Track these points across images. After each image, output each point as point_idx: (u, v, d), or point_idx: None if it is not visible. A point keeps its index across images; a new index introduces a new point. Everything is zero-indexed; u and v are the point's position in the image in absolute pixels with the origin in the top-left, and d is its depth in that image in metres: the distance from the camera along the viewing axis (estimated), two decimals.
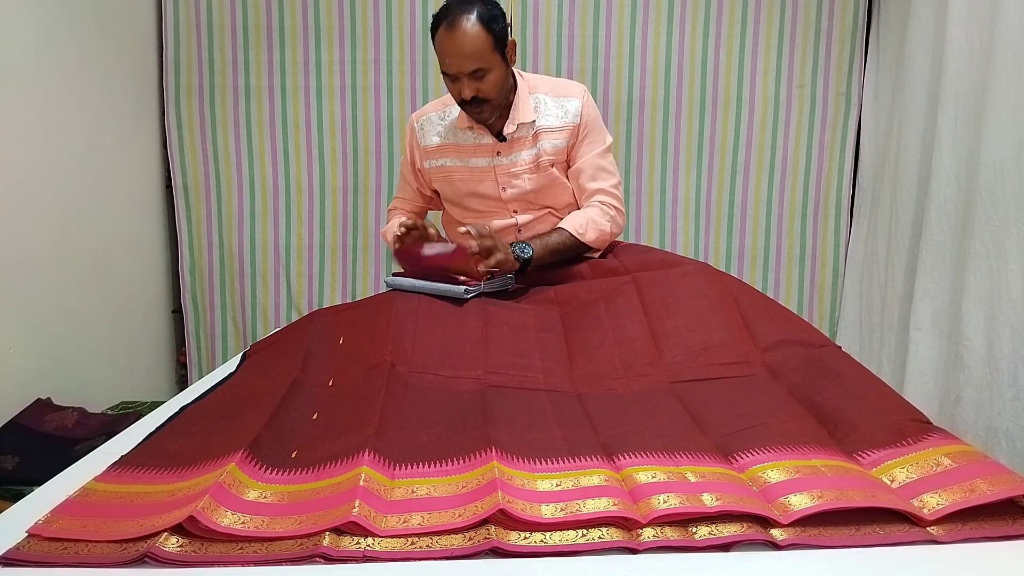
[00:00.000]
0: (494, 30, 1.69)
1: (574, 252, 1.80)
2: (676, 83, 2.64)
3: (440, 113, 1.91)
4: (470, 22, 1.66)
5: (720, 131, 2.68)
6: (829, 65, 2.65)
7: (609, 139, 1.89)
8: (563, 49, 2.62)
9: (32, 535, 0.84)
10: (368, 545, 0.84)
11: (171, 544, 0.83)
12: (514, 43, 1.77)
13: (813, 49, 2.64)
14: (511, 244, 1.70)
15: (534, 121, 1.83)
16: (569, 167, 1.88)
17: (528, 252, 1.70)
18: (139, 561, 0.81)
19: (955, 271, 1.97)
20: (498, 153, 1.85)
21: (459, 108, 1.84)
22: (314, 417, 1.18)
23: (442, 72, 1.74)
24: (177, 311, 2.75)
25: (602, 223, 1.80)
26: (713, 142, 2.69)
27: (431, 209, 2.08)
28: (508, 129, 1.82)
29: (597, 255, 1.87)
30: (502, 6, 1.75)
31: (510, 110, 1.82)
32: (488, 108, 1.76)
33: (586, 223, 1.78)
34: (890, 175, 2.41)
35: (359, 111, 2.65)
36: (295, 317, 2.68)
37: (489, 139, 1.85)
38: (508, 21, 1.74)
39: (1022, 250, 1.71)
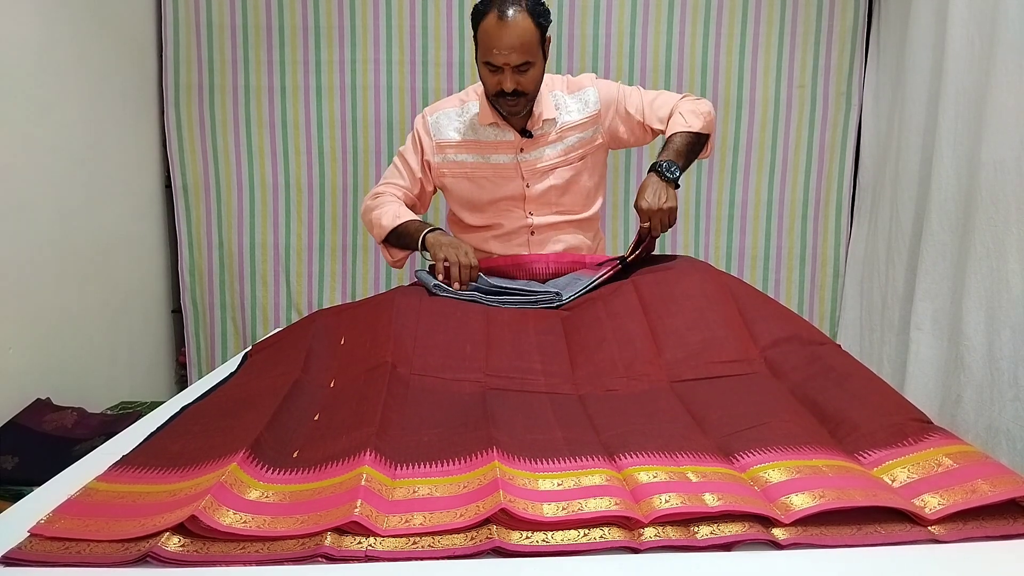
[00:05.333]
0: (541, 24, 1.69)
1: (696, 146, 1.80)
2: (676, 83, 2.64)
3: (458, 109, 1.89)
4: (521, 14, 1.65)
5: (720, 131, 2.68)
6: (829, 65, 2.65)
7: (636, 87, 1.92)
8: (563, 49, 2.62)
9: (34, 535, 0.84)
10: (370, 545, 0.84)
11: (173, 544, 0.83)
12: (550, 38, 1.77)
13: (813, 49, 2.65)
14: (657, 165, 1.68)
15: (555, 119, 1.83)
16: (622, 136, 1.90)
17: (675, 171, 1.68)
18: (141, 561, 0.81)
19: (955, 271, 1.97)
20: (521, 150, 1.84)
21: (478, 105, 1.83)
22: (315, 418, 1.18)
23: (483, 62, 1.71)
24: (177, 311, 2.74)
25: (700, 108, 1.82)
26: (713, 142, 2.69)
27: (415, 210, 1.95)
28: (534, 125, 1.82)
29: (710, 147, 1.90)
30: None
31: (534, 106, 1.81)
32: (523, 102, 1.75)
33: (684, 117, 1.79)
34: (890, 175, 2.41)
35: (358, 111, 2.65)
36: (295, 317, 2.68)
37: (511, 135, 1.83)
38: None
39: (1022, 250, 1.71)
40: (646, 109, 1.87)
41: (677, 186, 1.69)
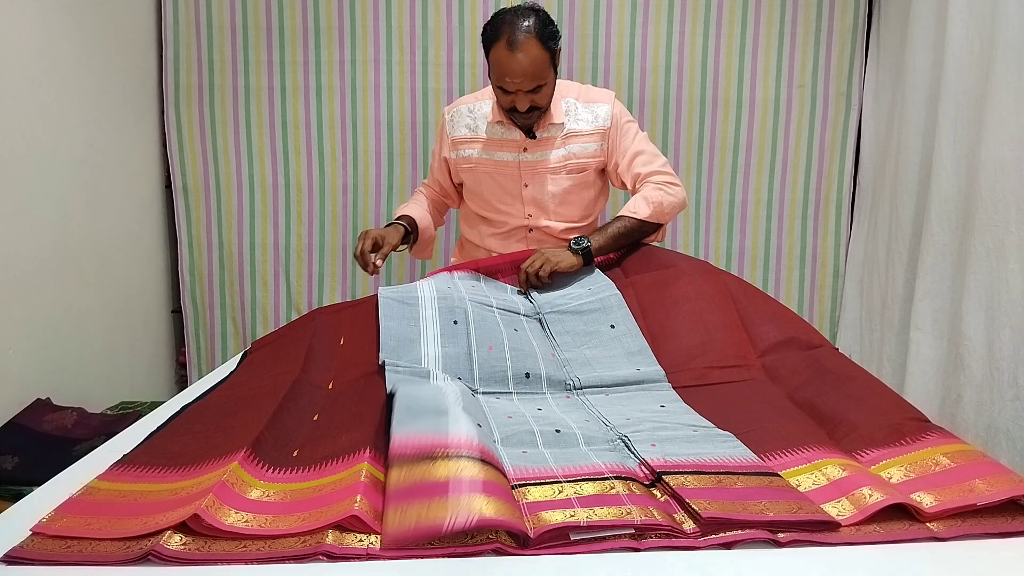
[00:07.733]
0: (550, 47, 1.71)
1: (638, 232, 1.82)
2: (676, 83, 2.64)
3: (470, 106, 1.94)
4: (531, 42, 1.67)
5: (720, 131, 2.68)
6: (829, 65, 2.65)
7: (642, 131, 1.93)
8: (563, 49, 2.62)
9: (36, 533, 0.84)
10: (371, 543, 0.84)
11: (175, 542, 0.83)
12: (559, 51, 1.79)
13: (813, 49, 2.64)
14: (573, 240, 1.72)
15: (563, 124, 1.86)
16: (607, 168, 1.93)
17: (585, 243, 1.71)
18: (143, 559, 0.81)
19: (955, 271, 1.97)
20: (525, 150, 1.87)
21: (489, 104, 1.88)
22: (315, 418, 1.18)
23: (496, 85, 1.75)
24: (177, 311, 2.74)
25: (654, 196, 1.81)
26: (713, 142, 2.69)
27: (448, 204, 2.12)
28: (540, 128, 1.85)
29: (662, 233, 1.91)
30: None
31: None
32: (536, 115, 1.80)
33: (636, 202, 1.82)
34: (890, 175, 2.41)
35: (359, 111, 2.65)
36: (295, 317, 2.68)
37: (517, 135, 1.87)
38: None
39: (1022, 250, 1.71)
40: (626, 157, 1.88)
41: (585, 259, 1.71)
